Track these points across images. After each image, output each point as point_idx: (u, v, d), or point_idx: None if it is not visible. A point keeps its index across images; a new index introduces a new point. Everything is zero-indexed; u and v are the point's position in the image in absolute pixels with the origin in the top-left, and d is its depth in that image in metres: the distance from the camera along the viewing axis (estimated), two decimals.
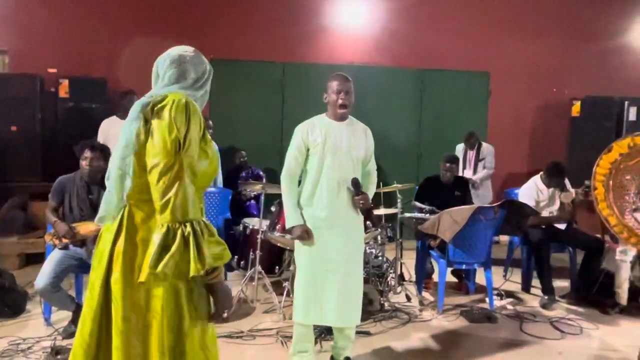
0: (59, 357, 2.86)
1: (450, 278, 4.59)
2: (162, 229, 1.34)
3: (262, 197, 4.06)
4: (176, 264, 1.32)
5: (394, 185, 4.21)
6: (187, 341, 1.42)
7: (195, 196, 1.40)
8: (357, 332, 3.43)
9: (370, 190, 2.86)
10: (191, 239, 1.34)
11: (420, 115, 6.74)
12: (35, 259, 4.74)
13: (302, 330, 2.79)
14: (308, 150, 2.76)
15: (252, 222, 4.20)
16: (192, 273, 1.33)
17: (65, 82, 5.50)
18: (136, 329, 1.39)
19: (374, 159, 2.94)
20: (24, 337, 3.21)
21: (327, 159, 2.72)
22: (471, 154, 5.95)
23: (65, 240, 3.24)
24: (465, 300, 4.28)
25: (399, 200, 4.15)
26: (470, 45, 6.74)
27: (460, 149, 5.98)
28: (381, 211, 4.35)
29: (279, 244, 3.84)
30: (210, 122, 5.17)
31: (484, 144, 5.99)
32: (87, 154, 3.31)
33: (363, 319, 3.61)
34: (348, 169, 2.74)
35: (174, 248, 1.32)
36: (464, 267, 4.14)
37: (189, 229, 1.35)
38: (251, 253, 3.93)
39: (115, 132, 4.60)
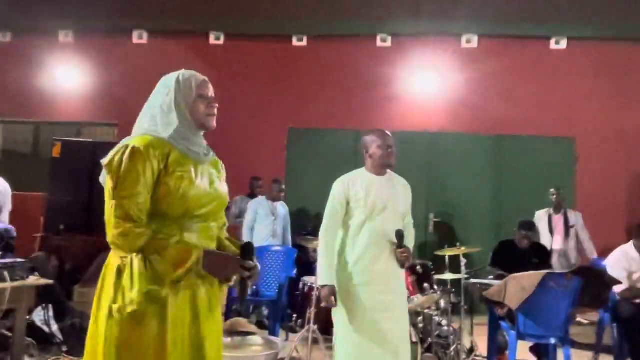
0: None
1: (529, 356, 4.15)
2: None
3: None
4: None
5: (458, 247, 4.03)
6: None
7: (129, 231, 1.52)
8: None
9: (409, 244, 2.78)
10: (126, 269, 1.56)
11: (500, 182, 6.49)
12: None
13: None
14: (348, 204, 2.73)
15: (311, 280, 4.23)
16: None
17: None
18: None
19: (411, 214, 2.91)
20: None
21: (371, 214, 2.68)
22: (557, 219, 5.48)
23: None
24: None
25: (462, 264, 3.96)
26: (551, 111, 6.52)
27: (541, 215, 5.56)
28: (446, 276, 4.15)
29: None
30: (283, 186, 5.44)
31: (570, 210, 5.56)
32: None
33: None
34: (391, 224, 2.69)
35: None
36: (537, 341, 3.74)
37: (125, 261, 1.56)
38: (308, 310, 3.93)
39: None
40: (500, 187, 6.48)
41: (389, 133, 2.81)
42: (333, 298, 2.60)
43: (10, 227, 5.33)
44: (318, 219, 5.68)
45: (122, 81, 6.86)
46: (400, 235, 2.66)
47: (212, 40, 6.95)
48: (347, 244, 2.73)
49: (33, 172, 6.94)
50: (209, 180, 1.68)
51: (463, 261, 3.97)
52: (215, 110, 1.72)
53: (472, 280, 4.02)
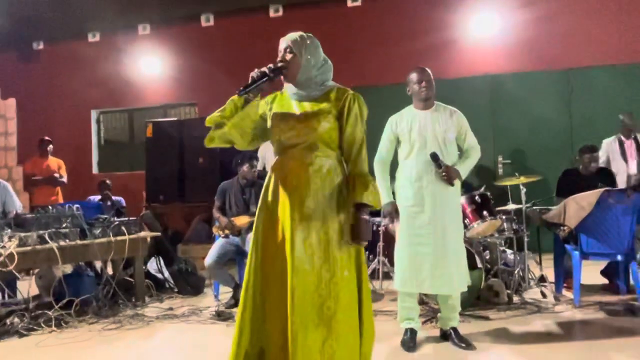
0: (220, 317, 3.72)
1: (599, 280, 4.26)
2: None
3: None
4: None
5: (516, 178, 4.17)
6: None
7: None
8: (475, 317, 3.52)
9: (466, 165, 3.01)
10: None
11: (570, 118, 6.38)
12: None
13: (406, 298, 3.04)
14: (398, 139, 3.07)
15: (377, 220, 4.58)
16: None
17: None
18: None
19: (472, 137, 3.07)
20: (201, 306, 4.12)
21: (415, 145, 2.99)
22: (629, 144, 5.28)
23: (226, 232, 4.11)
24: (614, 299, 3.93)
25: (522, 192, 4.11)
26: (629, 36, 6.20)
27: (610, 143, 5.36)
28: (508, 206, 4.32)
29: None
30: None
31: None
32: (246, 166, 4.20)
33: (487, 308, 3.68)
34: (438, 153, 2.96)
35: None
36: (601, 259, 3.84)
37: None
38: (377, 245, 4.32)
39: (269, 155, 5.56)
40: (571, 123, 6.37)
41: (425, 69, 3.06)
42: (395, 210, 2.94)
43: (120, 198, 6.25)
44: None
45: (196, 63, 7.54)
46: (434, 157, 2.91)
47: (271, 13, 7.37)
48: (399, 174, 3.08)
49: (131, 154, 7.92)
50: None
51: (523, 190, 4.12)
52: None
53: (535, 208, 4.16)
